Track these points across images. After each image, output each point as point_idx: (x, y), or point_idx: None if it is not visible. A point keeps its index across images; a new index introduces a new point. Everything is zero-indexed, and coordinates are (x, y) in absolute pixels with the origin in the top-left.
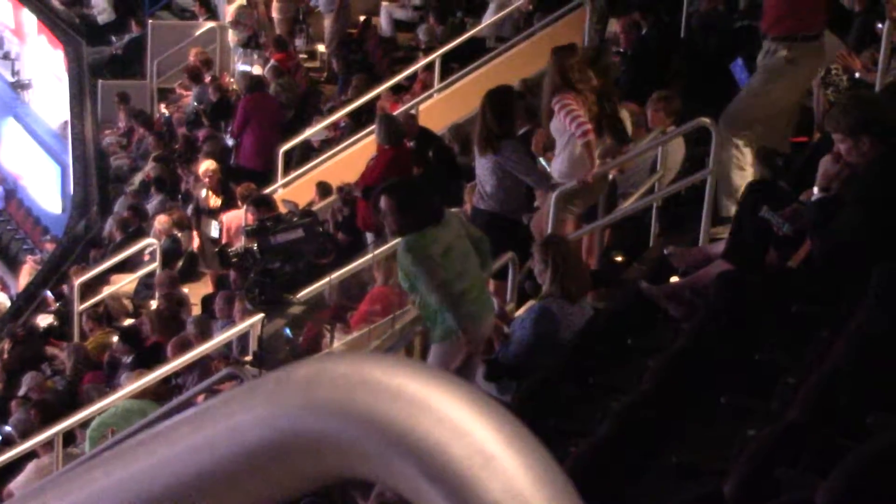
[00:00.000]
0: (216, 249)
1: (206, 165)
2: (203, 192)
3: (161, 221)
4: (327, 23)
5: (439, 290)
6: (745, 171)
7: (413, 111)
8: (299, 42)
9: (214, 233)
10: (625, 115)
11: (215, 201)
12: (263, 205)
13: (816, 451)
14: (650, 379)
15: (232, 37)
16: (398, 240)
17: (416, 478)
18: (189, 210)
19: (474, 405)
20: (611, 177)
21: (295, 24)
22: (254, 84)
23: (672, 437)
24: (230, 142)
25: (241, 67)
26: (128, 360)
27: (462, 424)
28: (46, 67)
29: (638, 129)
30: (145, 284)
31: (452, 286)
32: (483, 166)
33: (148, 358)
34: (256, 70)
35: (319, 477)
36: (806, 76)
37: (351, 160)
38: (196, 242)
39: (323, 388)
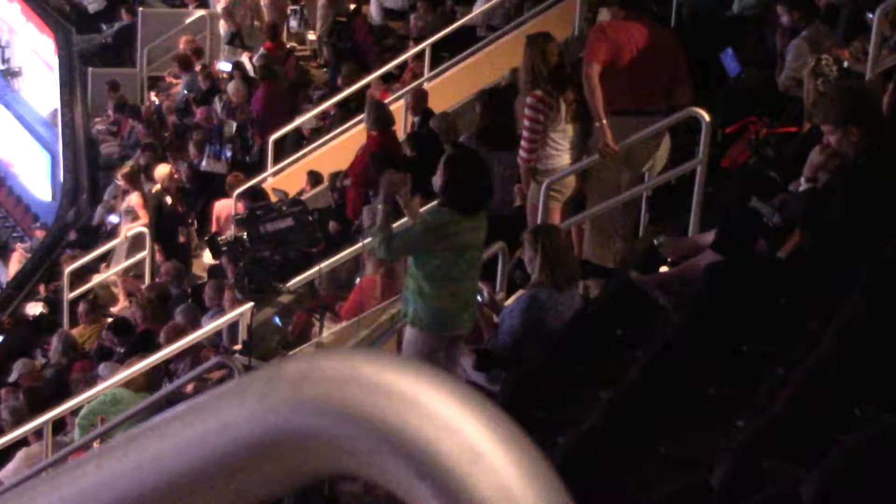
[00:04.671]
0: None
1: (161, 170)
2: (168, 200)
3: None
4: (320, 7)
5: (387, 248)
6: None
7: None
8: (294, 24)
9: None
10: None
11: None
12: (254, 196)
13: (803, 443)
14: (638, 369)
15: (223, 25)
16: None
17: (406, 475)
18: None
19: (464, 402)
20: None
21: (289, 11)
22: (268, 72)
23: (660, 428)
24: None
25: (221, 65)
26: (121, 350)
27: (451, 421)
28: (36, 55)
29: None
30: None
31: (459, 284)
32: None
33: (139, 347)
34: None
35: (309, 473)
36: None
37: (341, 149)
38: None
39: (313, 385)
